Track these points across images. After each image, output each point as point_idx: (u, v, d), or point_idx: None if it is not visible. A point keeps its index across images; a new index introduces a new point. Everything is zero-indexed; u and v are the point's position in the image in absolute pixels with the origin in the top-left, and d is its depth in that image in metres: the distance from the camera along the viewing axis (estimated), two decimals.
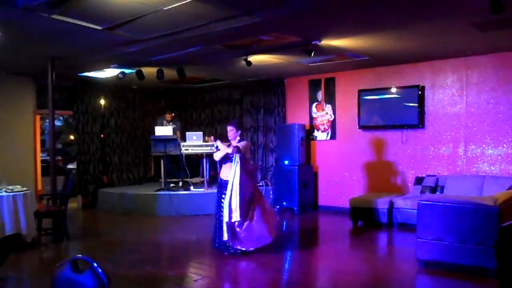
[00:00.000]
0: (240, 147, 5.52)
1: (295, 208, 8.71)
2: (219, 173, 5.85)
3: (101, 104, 10.17)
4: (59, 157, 19.65)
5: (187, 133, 9.21)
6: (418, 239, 4.86)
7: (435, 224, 4.71)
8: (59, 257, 5.84)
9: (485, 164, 7.22)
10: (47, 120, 12.93)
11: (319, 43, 6.20)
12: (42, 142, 15.18)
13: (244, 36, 5.83)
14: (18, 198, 5.86)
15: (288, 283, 4.74)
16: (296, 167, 8.74)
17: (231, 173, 5.47)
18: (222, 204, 5.47)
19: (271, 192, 9.19)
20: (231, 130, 5.63)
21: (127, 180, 10.54)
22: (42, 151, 11.80)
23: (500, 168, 7.07)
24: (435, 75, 7.71)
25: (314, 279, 4.93)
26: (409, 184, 7.89)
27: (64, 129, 27.71)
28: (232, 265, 5.19)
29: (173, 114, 9.79)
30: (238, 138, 5.65)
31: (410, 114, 7.85)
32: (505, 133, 7.06)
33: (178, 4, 4.42)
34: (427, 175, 7.56)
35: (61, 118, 25.39)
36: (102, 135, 10.19)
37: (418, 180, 7.58)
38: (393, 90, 8.09)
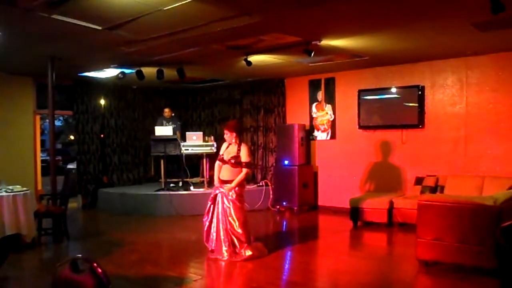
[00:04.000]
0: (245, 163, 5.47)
1: (295, 208, 8.71)
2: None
3: (101, 104, 10.17)
4: (59, 157, 19.70)
5: (187, 133, 9.22)
6: (418, 239, 4.86)
7: (435, 224, 4.71)
8: (59, 257, 5.84)
9: (485, 164, 7.21)
10: (47, 120, 12.94)
11: (319, 43, 6.20)
12: (42, 142, 15.20)
13: (244, 36, 5.83)
14: (18, 198, 5.85)
15: (288, 283, 4.75)
16: (296, 167, 8.74)
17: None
18: None
19: (271, 192, 9.20)
20: (228, 135, 5.52)
21: (127, 180, 10.54)
22: (42, 151, 11.81)
23: (500, 168, 7.07)
24: (435, 75, 7.71)
25: (313, 279, 4.93)
26: (409, 184, 7.88)
27: (64, 129, 27.76)
28: (232, 265, 5.19)
29: (173, 114, 9.77)
30: (233, 141, 5.53)
31: (410, 114, 7.85)
32: (505, 133, 7.06)
33: (178, 4, 4.41)
34: (427, 175, 7.56)
35: (61, 118, 25.46)
36: (102, 135, 10.19)
37: (418, 180, 7.58)
38: (393, 90, 8.09)
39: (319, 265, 5.62)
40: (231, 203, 5.38)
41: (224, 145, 5.66)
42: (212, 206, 5.50)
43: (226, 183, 5.45)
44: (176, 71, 7.66)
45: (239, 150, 5.48)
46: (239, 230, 5.34)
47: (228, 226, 5.34)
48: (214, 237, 5.41)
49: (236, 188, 5.41)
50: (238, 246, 5.34)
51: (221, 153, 5.63)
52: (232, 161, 5.44)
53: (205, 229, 5.53)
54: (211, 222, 5.47)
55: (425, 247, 4.80)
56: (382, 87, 8.21)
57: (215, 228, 5.42)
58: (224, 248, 5.31)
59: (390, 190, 8.08)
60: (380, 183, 8.28)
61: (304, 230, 7.63)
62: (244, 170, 5.44)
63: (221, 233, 5.35)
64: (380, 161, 8.33)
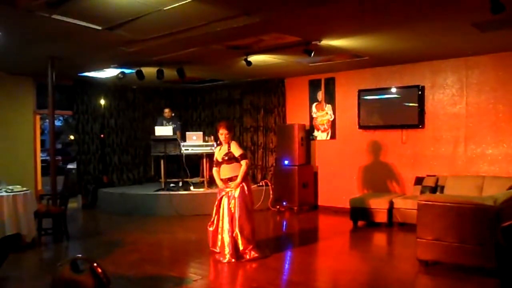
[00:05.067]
0: (241, 160, 5.44)
1: (295, 208, 8.71)
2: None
3: (101, 104, 10.16)
4: (59, 157, 19.69)
5: (187, 133, 9.22)
6: (418, 239, 4.86)
7: (435, 224, 4.71)
8: (59, 257, 5.84)
9: (485, 164, 7.21)
10: (47, 120, 12.94)
11: (319, 43, 6.20)
12: (42, 142, 15.19)
13: (244, 36, 5.83)
14: (18, 198, 5.85)
15: (288, 283, 4.74)
16: (296, 167, 8.74)
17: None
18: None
19: (271, 192, 9.20)
20: (227, 134, 5.47)
21: (127, 180, 10.54)
22: (42, 151, 11.80)
23: (500, 168, 7.07)
24: (435, 75, 7.71)
25: (314, 279, 4.93)
26: (409, 184, 7.88)
27: (64, 129, 27.75)
28: (232, 265, 5.18)
29: (173, 114, 9.76)
30: (230, 141, 5.51)
31: (410, 114, 7.85)
32: (505, 133, 7.06)
33: (178, 4, 4.42)
34: (427, 175, 7.56)
35: (61, 118, 25.45)
36: (102, 135, 10.18)
37: (418, 180, 7.58)
38: (393, 90, 8.10)
39: (319, 265, 5.61)
40: (238, 201, 5.34)
41: (216, 150, 5.67)
42: (217, 215, 5.48)
43: (230, 180, 5.44)
44: (176, 71, 7.66)
45: (229, 147, 5.48)
46: (249, 230, 5.35)
47: (236, 227, 5.30)
48: (220, 239, 5.40)
49: (244, 184, 5.40)
50: (243, 247, 5.32)
51: (215, 158, 5.65)
52: (226, 158, 5.44)
53: (211, 235, 5.52)
54: (217, 227, 5.46)
55: (425, 247, 4.80)
56: (382, 87, 8.21)
57: (220, 230, 5.41)
58: (227, 251, 5.28)
59: (390, 190, 8.09)
60: (380, 183, 8.28)
61: (304, 230, 7.62)
62: (243, 162, 5.43)
63: (225, 235, 5.33)
64: (380, 161, 8.33)
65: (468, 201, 4.66)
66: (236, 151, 5.45)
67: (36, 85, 9.13)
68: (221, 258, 5.29)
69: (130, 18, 4.91)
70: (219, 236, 5.41)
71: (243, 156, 5.48)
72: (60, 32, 5.54)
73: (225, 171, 5.49)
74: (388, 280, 4.76)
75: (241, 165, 5.43)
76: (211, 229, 5.52)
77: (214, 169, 5.63)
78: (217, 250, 5.45)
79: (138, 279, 4.73)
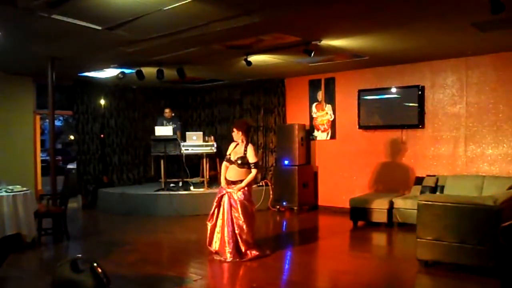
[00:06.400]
0: (253, 165, 5.41)
1: (295, 208, 8.72)
2: (219, 173, 5.79)
3: (101, 104, 10.16)
4: (59, 157, 19.69)
5: (187, 133, 9.21)
6: (418, 239, 4.86)
7: (435, 224, 4.71)
8: (59, 257, 5.83)
9: (485, 164, 7.21)
10: (47, 120, 12.94)
11: (319, 43, 6.20)
12: (42, 142, 15.19)
13: (244, 36, 5.83)
14: (18, 198, 5.85)
15: (288, 283, 4.75)
16: (296, 167, 8.74)
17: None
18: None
19: (271, 192, 9.20)
20: (241, 135, 5.44)
21: (127, 180, 10.53)
22: (42, 151, 11.80)
23: (500, 168, 7.07)
24: (435, 75, 7.71)
25: (314, 279, 4.93)
26: (409, 184, 7.88)
27: (64, 129, 27.76)
28: (232, 265, 5.18)
29: (173, 114, 9.76)
30: (240, 140, 5.48)
31: (410, 114, 7.85)
32: (505, 133, 7.06)
33: (178, 4, 4.42)
34: (427, 175, 7.56)
35: (61, 118, 25.45)
36: (102, 135, 10.18)
37: (418, 180, 7.58)
38: (393, 90, 8.10)
39: (319, 265, 5.62)
40: (239, 204, 5.31)
41: (232, 145, 5.60)
42: (217, 209, 5.45)
43: (233, 183, 5.40)
44: (176, 71, 7.66)
45: (245, 150, 5.42)
46: (248, 233, 5.33)
47: (236, 229, 5.28)
48: (218, 238, 5.37)
49: (246, 188, 5.38)
50: (244, 248, 5.30)
51: (228, 153, 5.57)
52: (239, 161, 5.38)
53: (209, 232, 5.48)
54: (215, 224, 5.44)
55: (425, 247, 4.79)
56: (382, 87, 8.21)
57: (219, 229, 5.38)
58: (227, 250, 5.26)
59: (390, 190, 8.08)
60: (380, 183, 8.28)
61: (304, 230, 7.62)
62: (253, 171, 5.40)
63: (226, 235, 5.30)
64: (380, 161, 8.33)
65: (468, 201, 4.66)
66: (252, 157, 5.41)
67: (36, 85, 9.13)
68: (223, 257, 5.28)
69: (130, 18, 4.91)
70: (219, 236, 5.39)
71: (256, 165, 5.44)
72: (60, 32, 5.54)
73: (232, 173, 5.44)
74: (388, 280, 4.76)
75: (250, 172, 5.40)
76: (210, 223, 5.48)
77: (224, 164, 5.58)
78: (213, 248, 5.42)
79: (138, 279, 4.73)
